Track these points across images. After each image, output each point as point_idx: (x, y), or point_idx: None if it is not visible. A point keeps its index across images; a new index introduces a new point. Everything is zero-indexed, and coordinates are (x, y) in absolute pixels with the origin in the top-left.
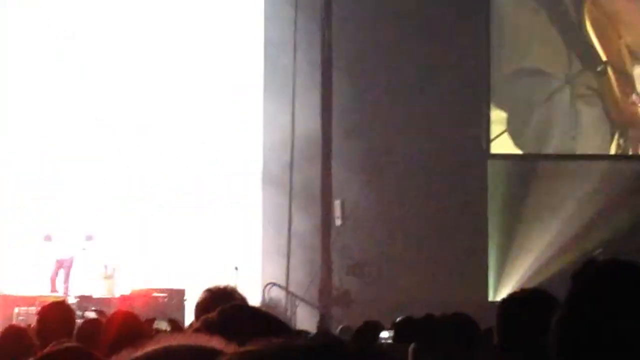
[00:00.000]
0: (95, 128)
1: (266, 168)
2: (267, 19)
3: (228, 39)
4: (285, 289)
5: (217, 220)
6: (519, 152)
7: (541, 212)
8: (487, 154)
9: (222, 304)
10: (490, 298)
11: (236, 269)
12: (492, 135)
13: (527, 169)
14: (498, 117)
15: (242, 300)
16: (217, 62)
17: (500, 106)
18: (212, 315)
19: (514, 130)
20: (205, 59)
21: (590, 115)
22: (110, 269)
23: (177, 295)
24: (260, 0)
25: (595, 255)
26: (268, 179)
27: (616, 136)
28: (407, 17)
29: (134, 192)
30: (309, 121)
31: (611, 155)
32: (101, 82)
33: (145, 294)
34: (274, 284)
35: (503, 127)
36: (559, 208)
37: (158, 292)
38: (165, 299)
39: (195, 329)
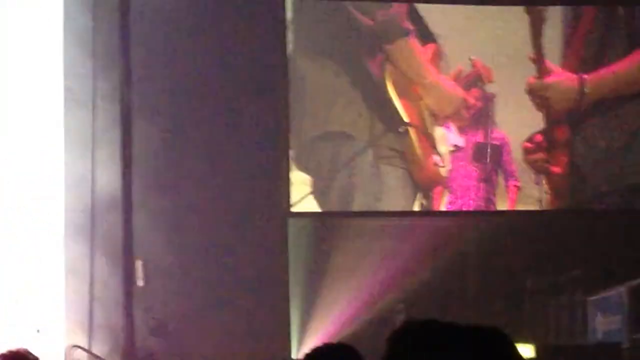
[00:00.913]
0: None
1: (67, 224)
2: (66, 72)
3: (27, 89)
4: (89, 351)
5: (17, 278)
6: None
7: (344, 270)
8: (288, 213)
9: None
10: (294, 355)
11: (38, 331)
12: (297, 198)
13: (329, 227)
14: (302, 180)
15: None
16: (17, 112)
17: (304, 169)
18: None
19: (318, 193)
20: (5, 111)
21: (393, 176)
22: None
23: None
24: (59, 54)
25: (398, 310)
26: (70, 236)
27: (419, 196)
28: (206, 75)
29: None
30: (110, 177)
31: (411, 212)
32: None
33: None
34: (77, 346)
35: (307, 189)
36: (361, 265)
37: None
38: None
39: None
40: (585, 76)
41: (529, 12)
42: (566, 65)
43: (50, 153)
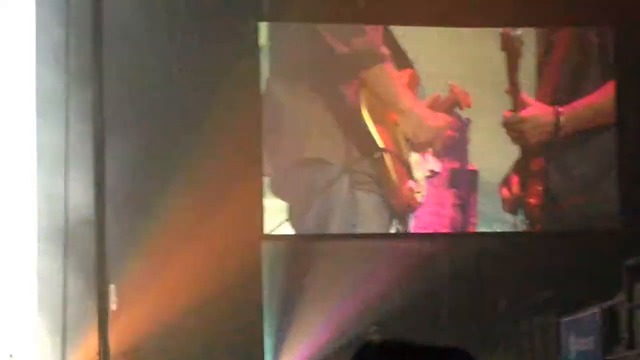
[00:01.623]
0: None
1: (40, 248)
2: (39, 89)
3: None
4: None
5: None
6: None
7: (318, 292)
8: (261, 235)
9: None
10: None
11: (11, 356)
12: (273, 225)
13: (303, 250)
14: (278, 207)
15: None
16: None
17: (280, 196)
18: None
19: (294, 220)
20: None
21: (368, 202)
22: None
23: None
24: (31, 73)
25: (371, 332)
26: (43, 259)
27: (394, 222)
28: (181, 101)
29: None
30: (84, 199)
31: (383, 234)
32: None
33: None
34: None
35: (284, 216)
36: (334, 288)
37: None
38: None
39: None
40: (561, 109)
41: (504, 48)
42: (541, 96)
43: (23, 173)
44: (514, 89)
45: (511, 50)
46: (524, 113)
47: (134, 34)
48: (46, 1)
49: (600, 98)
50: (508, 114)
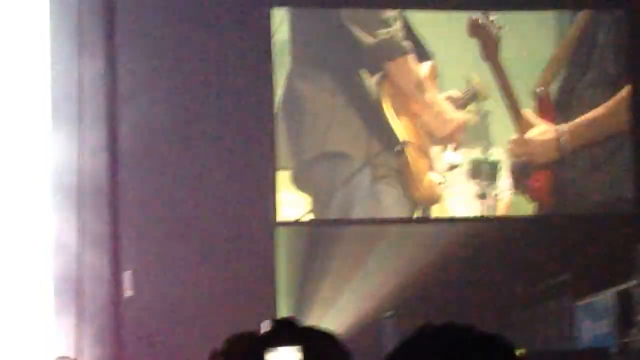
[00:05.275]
0: None
1: (57, 237)
2: (53, 51)
3: (12, 71)
4: None
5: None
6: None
7: (333, 278)
8: (274, 222)
9: None
10: None
11: (26, 345)
12: (296, 218)
13: (318, 236)
14: (300, 200)
15: None
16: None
17: (302, 189)
18: None
19: (316, 213)
20: None
21: (390, 195)
22: None
23: None
24: (46, 47)
25: (387, 317)
26: (58, 249)
27: (417, 215)
28: (198, 92)
29: None
30: (98, 186)
31: (397, 219)
32: None
33: None
34: (65, 357)
35: (306, 209)
36: (350, 274)
37: None
38: None
39: None
40: (564, 126)
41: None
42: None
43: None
44: (513, 104)
45: (486, 37)
46: (528, 136)
47: (149, 24)
48: None
49: (603, 112)
50: (513, 138)
